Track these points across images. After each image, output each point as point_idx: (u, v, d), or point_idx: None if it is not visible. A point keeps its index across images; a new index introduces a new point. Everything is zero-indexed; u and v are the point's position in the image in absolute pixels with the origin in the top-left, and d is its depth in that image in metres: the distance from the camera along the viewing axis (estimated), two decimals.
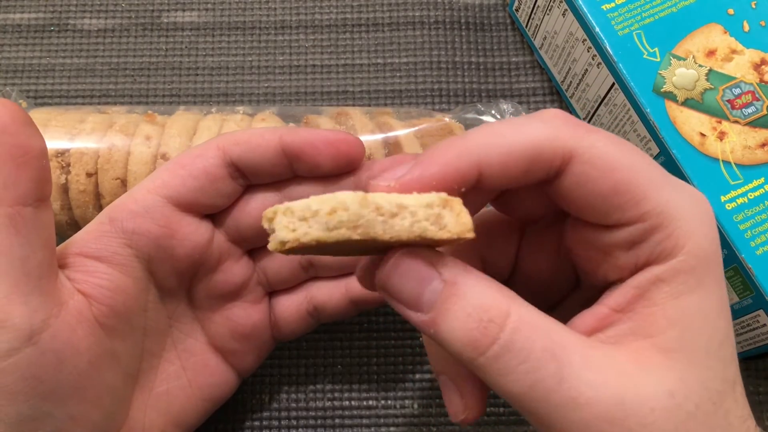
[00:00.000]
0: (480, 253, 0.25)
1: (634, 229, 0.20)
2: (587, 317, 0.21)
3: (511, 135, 0.20)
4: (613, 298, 0.21)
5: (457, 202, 0.19)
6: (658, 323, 0.20)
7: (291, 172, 0.29)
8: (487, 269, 0.24)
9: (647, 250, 0.20)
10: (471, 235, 0.19)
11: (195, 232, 0.29)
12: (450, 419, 0.37)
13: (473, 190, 0.21)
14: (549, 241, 0.25)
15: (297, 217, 0.18)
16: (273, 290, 0.32)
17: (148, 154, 0.35)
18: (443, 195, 0.19)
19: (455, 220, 0.18)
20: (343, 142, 0.28)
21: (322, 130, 0.29)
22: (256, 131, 0.29)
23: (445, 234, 0.18)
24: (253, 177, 0.29)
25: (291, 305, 0.32)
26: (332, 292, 0.32)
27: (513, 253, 0.26)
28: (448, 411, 0.24)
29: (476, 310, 0.19)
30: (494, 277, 0.21)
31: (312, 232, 0.18)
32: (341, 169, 0.29)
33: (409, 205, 0.18)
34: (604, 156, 0.20)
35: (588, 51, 0.38)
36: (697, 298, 0.20)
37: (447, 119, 0.38)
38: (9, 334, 0.22)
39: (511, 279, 0.26)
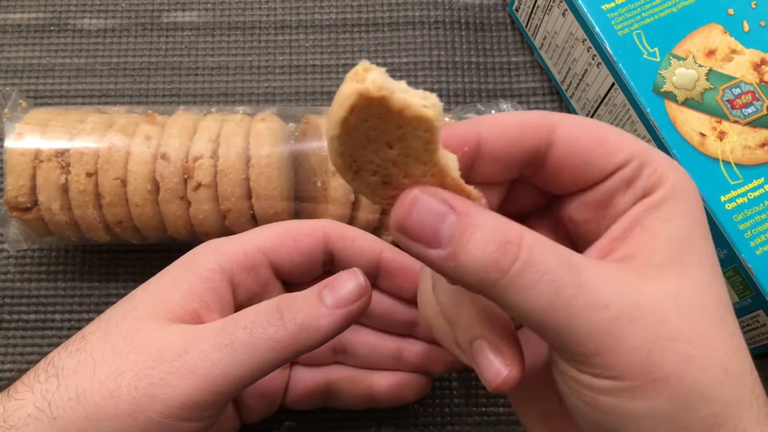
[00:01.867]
0: None
1: (627, 169, 0.22)
2: (590, 250, 0.23)
3: (505, 115, 0.23)
4: (612, 230, 0.22)
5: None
6: (652, 245, 0.21)
7: (372, 280, 0.32)
8: None
9: (640, 187, 0.22)
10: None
11: (277, 294, 0.31)
12: (451, 418, 0.37)
13: (483, 162, 0.23)
14: (546, 226, 0.26)
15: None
16: (298, 361, 0.34)
17: (147, 154, 0.35)
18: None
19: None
20: None
21: (418, 262, 0.32)
22: (362, 235, 0.32)
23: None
24: (338, 270, 0.31)
25: (308, 381, 0.34)
26: (354, 383, 0.34)
27: None
28: (486, 377, 0.23)
29: (494, 234, 0.20)
30: None
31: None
32: (415, 299, 0.31)
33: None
34: (582, 122, 0.23)
35: (588, 51, 0.38)
36: (681, 223, 0.22)
37: (447, 119, 0.38)
38: None
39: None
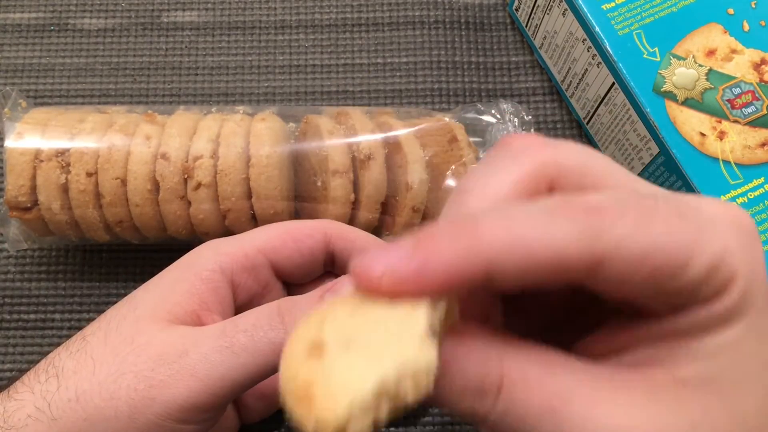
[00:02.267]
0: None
1: (679, 297, 0.18)
2: (607, 338, 0.20)
3: (533, 237, 0.17)
4: (640, 330, 0.19)
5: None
6: (679, 355, 0.18)
7: None
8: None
9: (689, 305, 0.18)
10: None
11: (277, 296, 0.31)
12: (451, 418, 0.37)
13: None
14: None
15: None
16: None
17: (148, 154, 0.35)
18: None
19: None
20: None
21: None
22: (363, 236, 0.32)
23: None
24: (340, 271, 0.32)
25: None
26: None
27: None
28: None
29: (467, 386, 0.18)
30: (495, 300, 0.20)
31: None
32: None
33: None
34: (634, 249, 0.17)
35: (588, 51, 0.38)
36: (732, 332, 0.18)
37: (447, 119, 0.38)
38: None
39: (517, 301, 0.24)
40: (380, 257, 0.17)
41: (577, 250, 0.17)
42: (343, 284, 0.27)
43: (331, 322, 0.17)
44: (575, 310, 0.22)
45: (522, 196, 0.19)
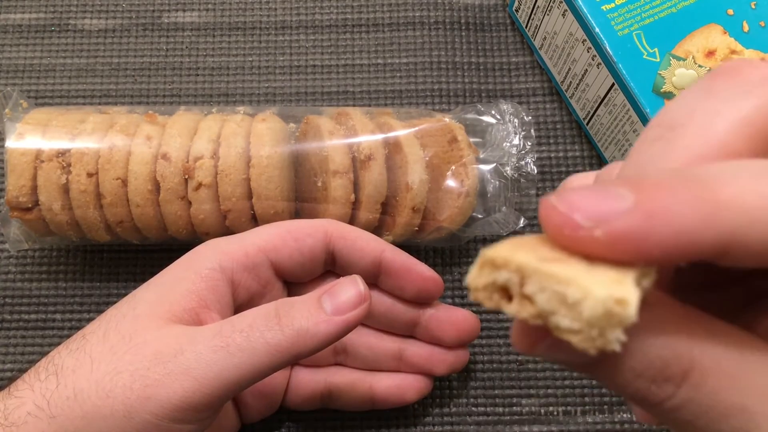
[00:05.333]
0: None
1: None
2: None
3: None
4: None
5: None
6: None
7: (373, 280, 0.32)
8: None
9: None
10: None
11: (277, 295, 0.31)
12: (451, 418, 0.37)
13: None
14: None
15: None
16: (299, 362, 0.34)
17: (148, 154, 0.35)
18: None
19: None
20: (432, 282, 0.32)
21: (419, 263, 0.32)
22: (363, 235, 0.32)
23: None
24: (341, 270, 0.31)
25: (308, 382, 0.34)
26: (355, 385, 0.34)
27: None
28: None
29: (647, 370, 0.15)
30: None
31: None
32: (416, 300, 0.32)
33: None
34: None
35: (588, 51, 0.38)
36: None
37: (447, 119, 0.38)
38: None
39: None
40: (588, 198, 0.13)
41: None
42: (342, 285, 0.27)
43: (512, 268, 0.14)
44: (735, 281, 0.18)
45: (755, 143, 0.15)
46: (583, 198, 0.13)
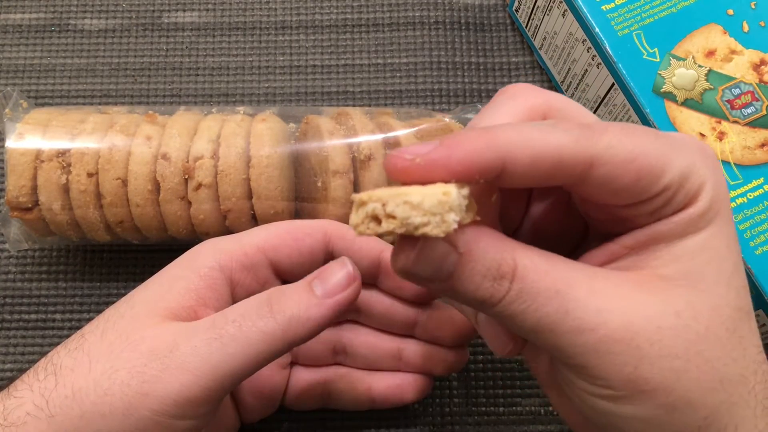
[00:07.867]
0: (497, 208, 0.26)
1: (659, 199, 0.21)
2: (596, 253, 0.23)
3: (538, 139, 0.20)
4: (626, 238, 0.22)
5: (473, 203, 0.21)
6: (662, 257, 0.21)
7: (372, 280, 0.32)
8: (502, 221, 0.25)
9: (671, 209, 0.21)
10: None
11: None
12: (451, 418, 0.37)
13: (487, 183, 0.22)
14: (558, 200, 0.26)
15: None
16: (298, 362, 0.34)
17: (148, 154, 0.35)
18: (464, 192, 0.20)
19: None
20: None
21: None
22: (363, 237, 0.32)
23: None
24: None
25: (308, 382, 0.34)
26: (355, 384, 0.34)
27: (524, 208, 0.26)
28: (492, 347, 0.26)
29: (488, 270, 0.21)
30: (507, 227, 0.24)
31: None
32: (415, 300, 0.32)
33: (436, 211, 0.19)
34: (621, 153, 0.21)
35: (588, 51, 0.38)
36: (704, 235, 0.21)
37: (447, 119, 0.38)
38: None
39: (523, 228, 0.27)
40: (410, 149, 0.20)
41: (574, 152, 0.20)
42: (332, 268, 0.27)
43: (374, 197, 0.19)
44: (571, 238, 0.26)
45: (517, 120, 0.23)
46: (410, 148, 0.20)
